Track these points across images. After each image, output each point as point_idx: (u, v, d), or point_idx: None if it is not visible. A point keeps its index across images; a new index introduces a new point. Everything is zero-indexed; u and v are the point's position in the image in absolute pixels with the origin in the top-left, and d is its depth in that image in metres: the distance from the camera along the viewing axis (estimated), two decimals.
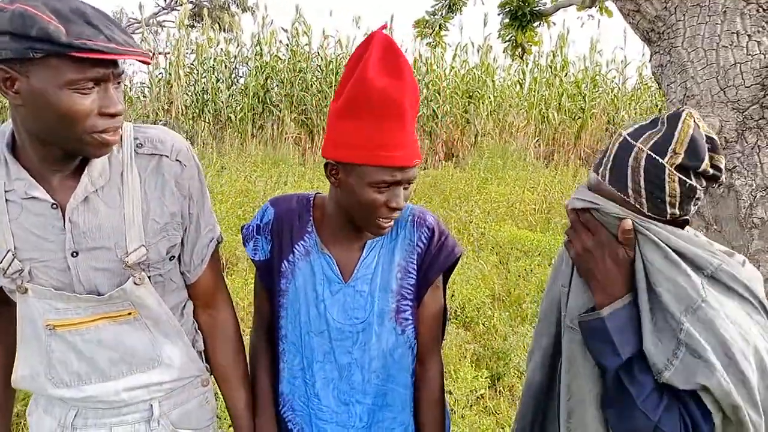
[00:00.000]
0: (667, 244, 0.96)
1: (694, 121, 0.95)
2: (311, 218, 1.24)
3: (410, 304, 1.23)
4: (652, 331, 0.95)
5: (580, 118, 11.12)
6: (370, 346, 1.20)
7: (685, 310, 0.93)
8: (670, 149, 0.94)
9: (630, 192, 0.96)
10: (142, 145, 1.08)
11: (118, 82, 0.96)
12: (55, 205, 1.01)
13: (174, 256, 1.14)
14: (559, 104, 11.15)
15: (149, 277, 1.09)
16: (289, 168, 7.59)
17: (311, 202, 1.27)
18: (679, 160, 0.93)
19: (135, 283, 1.06)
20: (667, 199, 0.94)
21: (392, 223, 1.15)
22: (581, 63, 11.64)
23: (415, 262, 1.23)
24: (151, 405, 1.15)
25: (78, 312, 1.05)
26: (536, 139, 10.70)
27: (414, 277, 1.23)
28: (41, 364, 1.09)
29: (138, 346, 1.10)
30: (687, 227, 1.08)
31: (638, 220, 0.97)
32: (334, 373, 1.21)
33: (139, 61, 0.95)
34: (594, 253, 1.00)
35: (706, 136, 0.96)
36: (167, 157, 1.09)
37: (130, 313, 1.08)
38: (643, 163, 0.95)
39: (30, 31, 0.84)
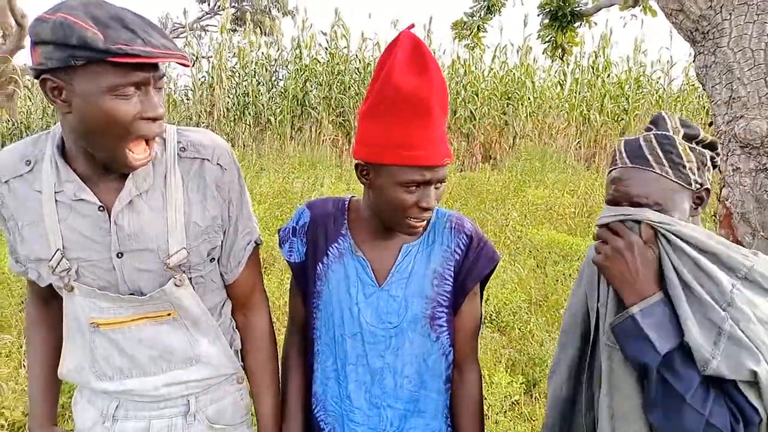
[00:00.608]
0: (698, 247, 0.99)
1: (674, 114, 1.09)
2: (346, 221, 1.24)
3: (446, 311, 1.21)
4: (694, 322, 0.95)
5: (623, 119, 10.84)
6: (403, 351, 1.19)
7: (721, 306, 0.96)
8: (669, 128, 1.06)
9: (654, 165, 1.02)
10: (185, 148, 1.09)
11: (159, 87, 0.97)
12: (102, 208, 1.04)
13: (214, 258, 1.15)
14: (602, 105, 10.90)
15: (190, 279, 1.11)
16: (326, 169, 7.67)
17: (346, 205, 1.26)
18: (681, 134, 1.05)
19: (175, 285, 1.09)
20: (687, 164, 1.02)
21: (423, 223, 1.14)
22: (625, 64, 11.35)
23: (452, 269, 1.20)
24: (188, 400, 1.18)
25: (120, 311, 1.09)
26: (577, 141, 10.50)
27: (450, 284, 1.20)
28: (86, 359, 1.13)
29: (176, 345, 1.13)
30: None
31: (668, 224, 1.00)
32: (367, 376, 1.21)
33: (177, 63, 0.96)
34: (624, 254, 1.01)
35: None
36: (209, 161, 1.10)
37: (169, 314, 1.11)
38: (654, 141, 1.04)
39: (70, 40, 0.86)
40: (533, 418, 2.71)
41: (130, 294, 1.09)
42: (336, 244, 1.23)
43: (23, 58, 11.38)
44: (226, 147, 1.14)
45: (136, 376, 1.14)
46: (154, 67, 0.95)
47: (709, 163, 1.06)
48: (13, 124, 10.13)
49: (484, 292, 1.34)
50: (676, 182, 1.02)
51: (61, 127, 1.01)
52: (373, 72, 1.15)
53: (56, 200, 1.04)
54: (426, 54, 1.07)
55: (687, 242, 0.99)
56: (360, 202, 1.26)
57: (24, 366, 2.88)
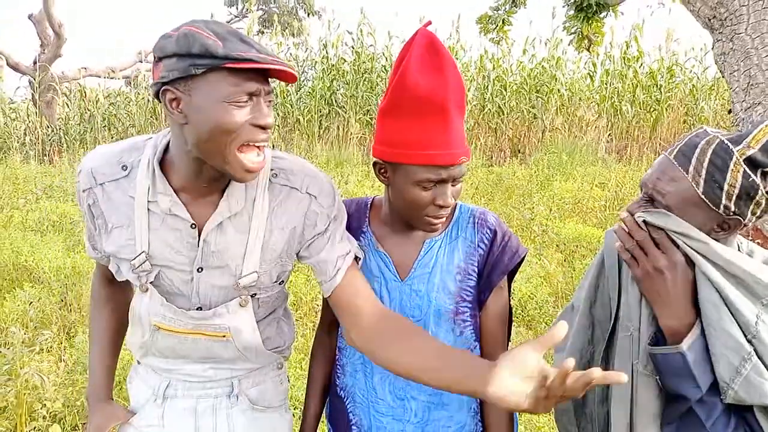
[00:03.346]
0: (725, 270, 0.94)
1: None
2: (367, 219, 1.27)
3: (469, 305, 1.21)
4: (723, 354, 0.93)
5: (655, 110, 10.60)
6: None
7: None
8: (744, 141, 0.94)
9: (691, 169, 0.95)
10: (276, 175, 1.12)
11: (270, 100, 1.01)
12: (194, 225, 1.08)
13: (282, 281, 1.19)
14: (633, 96, 10.67)
15: (258, 299, 1.17)
16: (352, 168, 7.73)
17: (368, 204, 1.29)
18: (749, 153, 0.93)
19: (240, 305, 1.14)
20: (726, 186, 0.93)
21: (443, 219, 1.14)
22: (657, 53, 11.09)
23: (475, 264, 1.20)
24: (233, 382, 1.25)
25: (180, 324, 1.15)
26: (608, 133, 10.31)
27: (474, 279, 1.20)
28: (145, 342, 1.22)
29: (225, 356, 1.21)
30: (746, 243, 1.05)
31: (696, 246, 0.95)
32: None
33: (286, 74, 0.99)
34: (667, 275, 0.96)
35: None
36: (297, 190, 1.12)
37: (224, 336, 1.16)
38: (713, 146, 0.95)
39: (192, 48, 0.92)
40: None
41: (198, 309, 1.14)
42: (359, 242, 1.25)
43: (61, 67, 11.80)
44: (316, 174, 1.15)
45: (185, 361, 1.22)
46: (266, 81, 1.00)
47: (760, 198, 0.94)
48: (52, 131, 10.50)
49: (512, 286, 1.32)
50: (701, 197, 0.95)
51: (174, 139, 1.05)
52: (392, 68, 1.17)
53: (149, 209, 1.09)
54: (441, 52, 1.06)
55: (715, 265, 0.95)
56: (383, 200, 1.27)
57: (63, 361, 3.01)
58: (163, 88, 0.97)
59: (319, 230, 1.14)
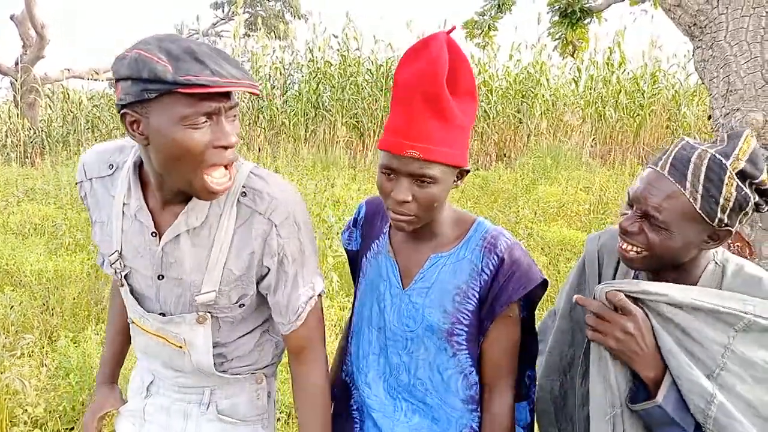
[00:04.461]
0: (691, 307, 0.97)
1: (755, 139, 0.99)
2: (389, 222, 1.26)
3: (466, 329, 1.17)
4: (691, 393, 0.96)
5: (639, 115, 10.74)
6: (418, 354, 1.21)
7: (707, 377, 0.95)
8: (733, 155, 0.96)
9: (687, 185, 0.97)
10: (245, 194, 1.09)
11: (234, 115, 1.00)
12: (154, 233, 1.09)
13: (244, 304, 1.16)
14: (617, 102, 10.81)
15: (217, 318, 1.16)
16: (339, 171, 7.73)
17: None
18: (741, 166, 0.96)
19: (197, 321, 1.13)
20: (721, 201, 0.96)
21: (404, 218, 1.10)
22: (640, 59, 11.24)
23: (477, 289, 1.16)
24: (204, 391, 1.24)
25: (148, 324, 1.18)
26: (592, 137, 10.42)
27: (473, 303, 1.16)
28: (132, 332, 1.27)
29: (187, 368, 1.20)
30: (721, 252, 1.07)
31: (659, 294, 0.98)
32: (386, 368, 1.25)
33: (246, 92, 0.97)
34: (636, 334, 0.98)
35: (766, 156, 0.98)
36: (261, 214, 1.08)
37: (181, 347, 1.17)
38: (706, 161, 0.97)
39: (142, 74, 0.90)
40: None
41: (160, 313, 1.16)
42: (377, 241, 1.28)
43: (44, 68, 11.65)
44: (286, 201, 1.10)
45: (159, 364, 1.24)
46: (226, 96, 0.97)
47: (749, 209, 0.98)
48: (34, 132, 10.36)
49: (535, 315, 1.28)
50: (699, 212, 0.97)
51: (141, 156, 1.05)
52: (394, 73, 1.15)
53: (123, 211, 1.12)
54: (429, 46, 1.03)
55: (677, 306, 0.97)
56: None
57: (45, 365, 2.97)
58: (122, 110, 0.96)
59: (274, 263, 1.10)
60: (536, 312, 1.27)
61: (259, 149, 9.70)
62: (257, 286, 1.15)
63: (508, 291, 1.13)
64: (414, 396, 1.23)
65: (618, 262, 1.19)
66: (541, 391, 1.28)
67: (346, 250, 1.36)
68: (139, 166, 1.10)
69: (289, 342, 1.19)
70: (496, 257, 1.14)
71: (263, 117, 10.47)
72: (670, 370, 0.97)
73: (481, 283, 1.15)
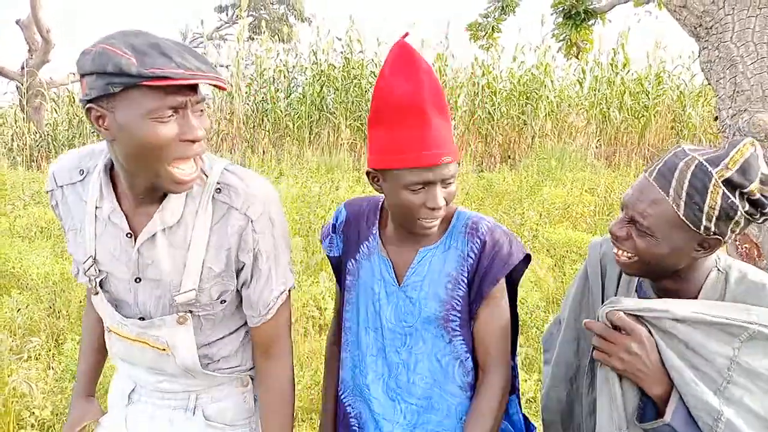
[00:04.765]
0: (692, 321, 0.96)
1: (756, 149, 0.96)
2: (377, 221, 1.29)
3: (459, 315, 1.21)
4: (699, 410, 0.95)
5: (643, 116, 10.71)
6: (417, 349, 1.23)
7: (713, 392, 0.94)
8: (723, 163, 0.95)
9: (671, 192, 0.96)
10: (220, 191, 1.09)
11: (201, 110, 0.99)
12: (129, 234, 1.08)
13: (225, 300, 1.16)
14: (621, 103, 10.79)
15: (199, 316, 1.14)
16: (343, 173, 7.74)
17: (380, 205, 1.31)
18: (728, 174, 0.94)
19: (178, 322, 1.12)
20: (706, 209, 0.94)
21: (436, 222, 1.15)
22: (644, 60, 11.22)
23: (465, 274, 1.21)
24: (189, 396, 1.22)
25: (126, 329, 1.15)
26: (597, 139, 10.40)
27: (464, 288, 1.21)
28: (107, 344, 1.25)
29: (170, 370, 1.18)
30: (724, 258, 1.07)
31: (659, 310, 0.98)
32: (385, 369, 1.26)
33: (211, 85, 0.97)
34: (641, 353, 0.98)
35: (765, 165, 0.96)
36: (236, 209, 1.08)
37: (164, 349, 1.15)
38: (692, 168, 0.96)
39: (107, 68, 0.90)
40: None
41: (140, 318, 1.14)
42: (366, 242, 1.28)
43: (49, 72, 11.72)
44: (262, 196, 1.10)
45: (141, 369, 1.22)
46: (192, 90, 0.97)
47: (739, 218, 0.96)
48: (40, 136, 10.41)
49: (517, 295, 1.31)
50: (682, 219, 0.96)
51: (109, 152, 1.05)
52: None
53: (96, 215, 1.10)
54: (414, 59, 1.10)
55: (679, 321, 0.97)
56: None
57: (52, 368, 2.98)
58: (87, 105, 0.96)
59: (249, 257, 1.11)
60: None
61: (264, 152, 9.72)
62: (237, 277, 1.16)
63: (493, 271, 1.18)
64: (413, 395, 1.24)
65: (621, 271, 1.18)
66: (548, 402, 1.28)
67: (329, 257, 1.36)
68: (110, 169, 1.10)
69: (257, 335, 1.20)
70: (478, 240, 1.20)
71: (267, 120, 10.49)
72: (676, 387, 0.97)
73: (468, 268, 1.20)
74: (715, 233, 0.96)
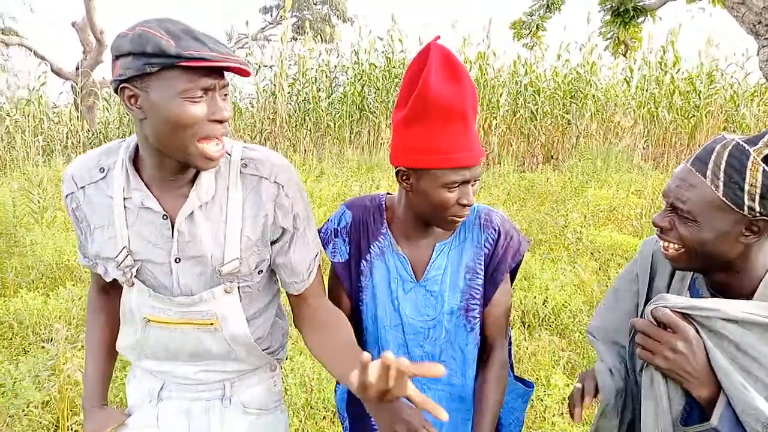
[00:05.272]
0: (744, 321, 0.93)
1: None
2: (385, 219, 1.32)
3: (478, 302, 1.29)
4: (748, 414, 0.92)
5: (694, 116, 10.35)
6: (440, 340, 1.28)
7: (766, 398, 0.91)
8: (761, 142, 0.94)
9: (708, 173, 0.95)
10: (246, 165, 1.16)
11: (225, 94, 1.06)
12: (165, 216, 1.12)
13: (262, 270, 1.21)
14: (670, 102, 10.45)
15: (239, 288, 1.18)
16: (383, 172, 7.76)
17: (383, 203, 1.35)
18: (766, 151, 0.92)
19: (225, 291, 1.16)
20: (746, 187, 0.93)
21: (465, 217, 1.22)
22: (696, 58, 10.83)
23: (482, 263, 1.29)
24: (224, 385, 1.26)
25: (169, 314, 1.17)
26: (644, 139, 10.11)
27: (481, 277, 1.29)
28: (136, 342, 1.24)
29: (215, 350, 1.22)
30: None
31: (708, 309, 0.94)
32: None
33: (239, 69, 1.03)
34: (686, 352, 0.95)
35: None
36: (266, 179, 1.15)
37: (212, 324, 1.18)
38: (729, 149, 0.95)
39: (146, 48, 0.96)
40: (589, 421, 2.66)
41: (182, 295, 1.16)
42: (377, 242, 1.31)
43: (102, 73, 12.17)
44: (285, 165, 1.19)
45: (177, 363, 1.24)
46: (220, 75, 1.04)
47: None
48: (93, 134, 10.84)
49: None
50: (722, 199, 0.95)
51: (137, 134, 1.10)
52: (403, 80, 1.21)
53: (125, 206, 1.14)
54: (457, 63, 1.15)
55: (730, 321, 0.94)
56: (394, 200, 1.33)
57: None
58: (121, 85, 1.01)
59: (289, 221, 1.17)
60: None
61: (305, 151, 9.85)
62: (272, 248, 1.20)
63: (507, 259, 1.28)
64: (438, 382, 1.30)
65: (674, 270, 1.15)
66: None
67: (333, 263, 1.35)
68: (133, 161, 1.14)
69: (299, 302, 1.25)
70: (493, 231, 1.29)
71: (309, 119, 10.62)
72: (724, 390, 0.93)
73: (484, 257, 1.29)
74: (761, 213, 0.93)
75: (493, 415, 1.25)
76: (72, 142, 10.55)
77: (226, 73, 1.06)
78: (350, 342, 1.18)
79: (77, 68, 11.73)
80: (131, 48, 0.97)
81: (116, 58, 1.01)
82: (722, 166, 0.94)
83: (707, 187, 0.96)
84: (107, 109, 11.51)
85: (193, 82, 0.99)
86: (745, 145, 0.94)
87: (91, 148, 10.53)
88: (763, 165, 0.92)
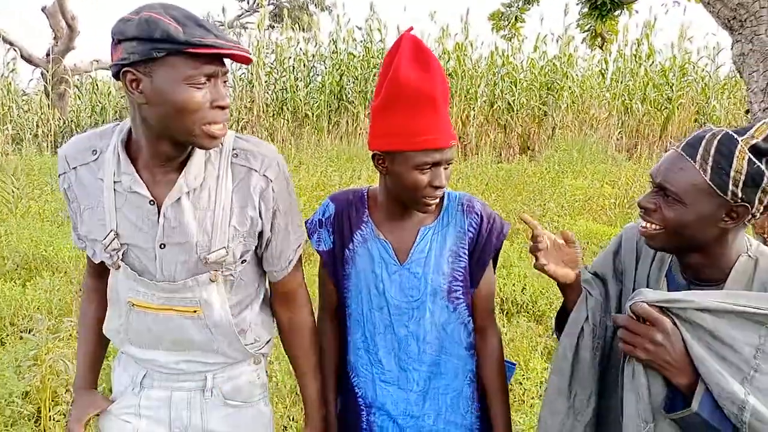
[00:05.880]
0: (718, 310, 0.97)
1: None
2: (366, 209, 1.37)
3: (461, 284, 1.34)
4: (723, 399, 0.96)
5: (666, 108, 10.58)
6: (424, 320, 1.33)
7: (740, 382, 0.95)
8: (749, 133, 1.00)
9: (698, 158, 1.00)
10: (237, 155, 1.17)
11: (225, 81, 1.07)
12: (152, 201, 1.12)
13: (246, 260, 1.22)
14: (644, 94, 10.66)
15: (224, 277, 1.19)
16: (362, 162, 7.77)
17: (365, 194, 1.40)
18: (753, 141, 0.99)
19: (210, 279, 1.17)
20: (732, 173, 0.98)
21: (437, 200, 1.27)
22: (669, 51, 11.05)
23: (466, 247, 1.34)
24: (206, 376, 1.26)
25: (153, 299, 1.18)
26: (618, 131, 10.30)
27: (465, 260, 1.34)
28: (121, 326, 1.24)
29: (197, 338, 1.22)
30: (756, 245, 1.08)
31: (681, 300, 0.99)
32: (394, 343, 1.35)
33: (243, 57, 1.05)
34: (665, 344, 0.99)
35: None
36: (256, 171, 1.17)
37: (195, 311, 1.19)
38: (719, 137, 1.01)
39: (154, 34, 0.97)
40: None
41: (165, 281, 1.17)
42: (360, 231, 1.36)
43: (73, 59, 11.88)
44: (276, 158, 1.20)
45: (159, 350, 1.25)
46: (221, 63, 1.05)
47: (766, 185, 0.99)
48: (64, 122, 10.60)
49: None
50: (709, 183, 1.00)
51: (132, 119, 1.11)
52: (379, 72, 1.27)
53: (115, 190, 1.14)
54: (427, 52, 1.21)
55: (704, 311, 0.98)
56: (377, 190, 1.38)
57: None
58: (124, 69, 1.01)
59: (272, 216, 1.20)
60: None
61: (283, 140, 9.80)
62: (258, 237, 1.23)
63: (492, 242, 1.34)
64: (424, 362, 1.35)
65: (654, 255, 1.20)
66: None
67: (318, 252, 1.40)
68: (126, 145, 1.14)
69: (279, 289, 1.30)
70: (476, 215, 1.35)
71: (287, 108, 10.55)
72: (703, 377, 0.98)
73: (468, 241, 1.34)
74: (742, 200, 0.99)
75: (503, 401, 1.38)
76: (43, 131, 10.31)
77: (226, 60, 1.07)
78: (303, 351, 1.33)
79: (47, 54, 11.43)
80: (137, 33, 0.98)
81: (118, 42, 1.01)
82: (711, 152, 1.00)
83: (695, 171, 1.01)
84: (79, 97, 11.26)
85: (198, 68, 1.01)
86: (734, 134, 1.00)
87: (62, 136, 10.35)
88: (749, 154, 0.98)
